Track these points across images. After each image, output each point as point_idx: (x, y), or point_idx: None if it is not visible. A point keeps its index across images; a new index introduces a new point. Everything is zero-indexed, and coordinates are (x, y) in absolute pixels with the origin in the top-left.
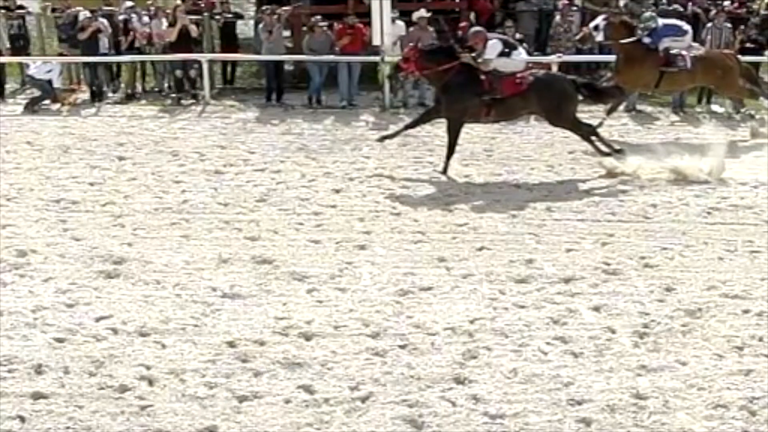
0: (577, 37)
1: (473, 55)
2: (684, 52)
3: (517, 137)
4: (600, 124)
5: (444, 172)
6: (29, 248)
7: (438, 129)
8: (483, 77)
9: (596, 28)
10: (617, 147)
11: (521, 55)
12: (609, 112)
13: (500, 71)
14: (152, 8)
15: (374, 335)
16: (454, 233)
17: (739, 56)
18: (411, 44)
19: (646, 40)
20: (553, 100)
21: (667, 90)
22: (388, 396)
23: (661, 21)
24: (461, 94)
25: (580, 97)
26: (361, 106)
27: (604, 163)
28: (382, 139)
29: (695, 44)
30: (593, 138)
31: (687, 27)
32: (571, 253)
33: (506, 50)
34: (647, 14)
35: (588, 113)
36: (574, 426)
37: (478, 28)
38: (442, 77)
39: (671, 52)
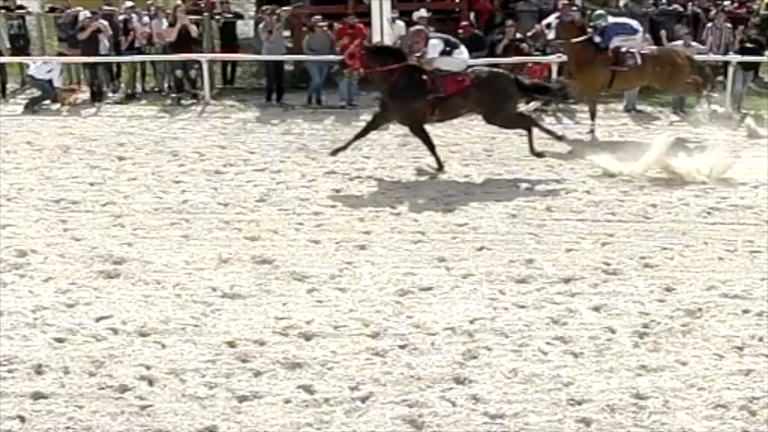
0: (529, 34)
1: (418, 55)
2: (633, 50)
3: (517, 137)
4: (591, 131)
5: (440, 168)
6: (29, 248)
7: (437, 129)
8: (426, 77)
9: (548, 26)
10: (539, 151)
11: (463, 54)
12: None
13: (443, 70)
14: (152, 8)
15: (374, 335)
16: (454, 233)
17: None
18: (357, 42)
19: (597, 39)
20: (492, 98)
21: (619, 89)
22: (388, 396)
23: (611, 19)
24: (407, 96)
25: (526, 98)
26: (361, 106)
27: (596, 162)
28: (335, 152)
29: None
30: (533, 129)
31: (638, 25)
32: (571, 253)
33: (447, 49)
34: (597, 12)
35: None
36: (574, 426)
37: (418, 27)
38: (386, 78)
39: (621, 50)
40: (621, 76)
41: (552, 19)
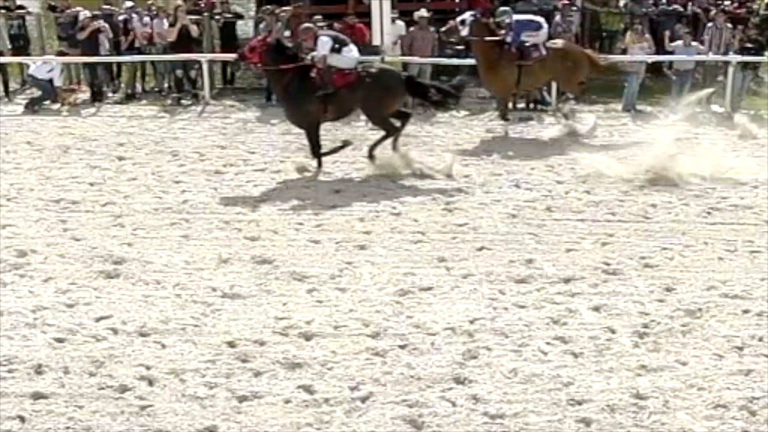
0: (443, 29)
1: (312, 55)
2: (539, 43)
3: (517, 137)
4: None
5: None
6: (29, 248)
7: (437, 129)
8: (314, 74)
9: (463, 22)
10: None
11: (352, 52)
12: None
13: (332, 67)
14: (153, 8)
15: (374, 335)
16: (454, 233)
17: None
18: (261, 36)
19: (509, 39)
20: (377, 94)
21: (527, 86)
22: (388, 396)
23: (515, 17)
24: (300, 98)
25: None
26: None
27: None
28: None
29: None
30: (392, 139)
31: (542, 21)
32: (571, 253)
33: (336, 46)
34: (501, 9)
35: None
36: (574, 426)
37: (308, 24)
38: (280, 78)
39: (526, 44)
40: (527, 71)
41: (467, 16)
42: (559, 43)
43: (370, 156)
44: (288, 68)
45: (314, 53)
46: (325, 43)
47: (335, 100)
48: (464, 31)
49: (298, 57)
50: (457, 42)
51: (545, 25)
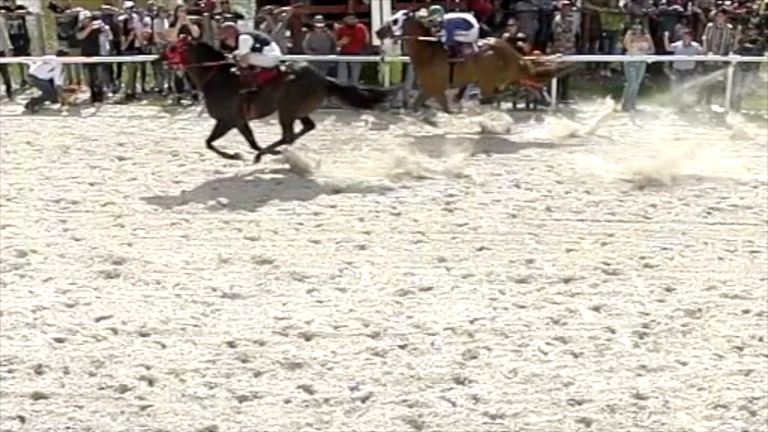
0: (376, 30)
1: (235, 53)
2: (470, 41)
3: (517, 137)
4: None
5: (233, 157)
6: (29, 248)
7: (437, 129)
8: (239, 73)
9: (395, 22)
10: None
11: (273, 51)
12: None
13: (255, 66)
14: (155, 8)
15: (374, 335)
16: (454, 233)
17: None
18: (182, 37)
19: (443, 39)
20: (295, 92)
21: (460, 83)
22: (388, 396)
23: (447, 16)
24: (222, 95)
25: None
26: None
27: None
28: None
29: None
30: (286, 146)
31: (473, 20)
32: (571, 253)
33: (257, 45)
34: (433, 7)
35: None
36: (574, 426)
37: (228, 23)
38: (203, 76)
39: (457, 42)
40: (459, 68)
41: (399, 15)
42: (492, 41)
43: (257, 158)
44: (210, 66)
45: (236, 52)
46: (245, 41)
47: (258, 98)
48: (397, 31)
49: (221, 56)
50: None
51: (476, 24)
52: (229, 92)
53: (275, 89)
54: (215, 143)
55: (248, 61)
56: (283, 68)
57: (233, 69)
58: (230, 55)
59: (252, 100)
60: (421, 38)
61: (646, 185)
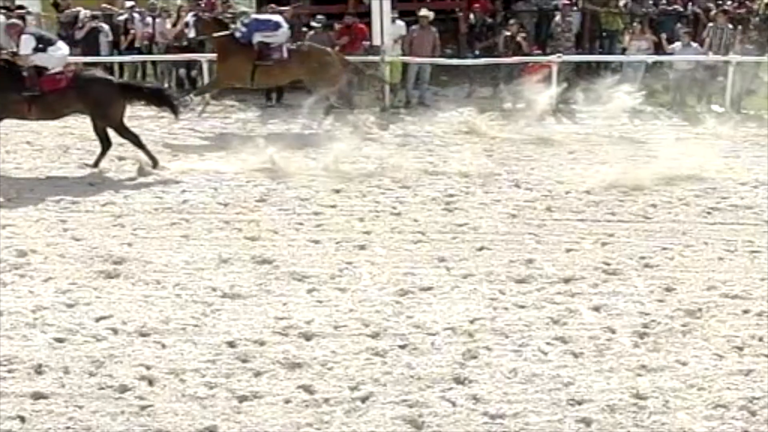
0: (170, 36)
1: (14, 51)
2: (281, 45)
3: (517, 137)
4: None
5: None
6: (29, 248)
7: (437, 128)
8: (25, 73)
9: (187, 24)
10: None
11: (60, 51)
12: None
13: (40, 67)
14: (157, 8)
15: (374, 335)
16: (454, 233)
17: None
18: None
19: (238, 34)
20: (96, 100)
21: (264, 84)
22: (388, 396)
23: (253, 16)
24: (1, 89)
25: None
26: (361, 106)
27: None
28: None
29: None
30: (141, 145)
31: (281, 21)
32: (571, 253)
33: (41, 45)
34: (240, 10)
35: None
36: (574, 426)
37: (13, 20)
38: None
39: (267, 45)
40: (264, 71)
41: (189, 17)
42: (304, 45)
43: (96, 165)
44: None
45: (19, 51)
46: (26, 41)
47: (43, 102)
48: (191, 33)
49: None
50: (189, 43)
51: (284, 25)
52: (7, 91)
53: (63, 97)
54: None
55: (30, 62)
56: (71, 75)
57: (19, 70)
58: (7, 52)
59: (34, 103)
60: (219, 35)
61: (645, 186)
